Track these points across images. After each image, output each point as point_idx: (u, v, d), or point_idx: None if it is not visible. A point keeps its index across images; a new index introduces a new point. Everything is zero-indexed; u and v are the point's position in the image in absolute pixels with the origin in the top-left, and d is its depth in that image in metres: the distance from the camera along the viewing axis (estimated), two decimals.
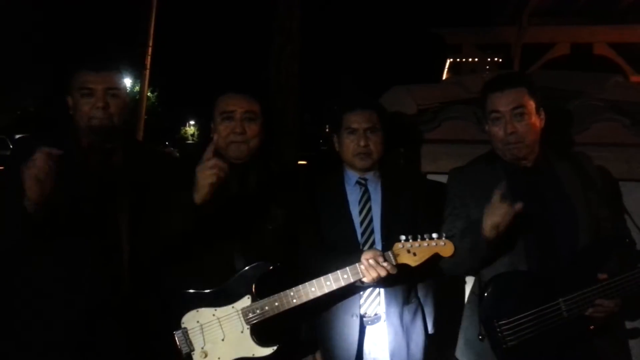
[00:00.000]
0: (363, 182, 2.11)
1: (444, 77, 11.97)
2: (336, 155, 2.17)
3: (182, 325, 1.88)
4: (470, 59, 11.33)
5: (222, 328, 1.88)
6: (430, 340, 2.13)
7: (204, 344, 1.88)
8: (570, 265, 1.84)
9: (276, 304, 1.86)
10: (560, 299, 1.80)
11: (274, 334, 1.88)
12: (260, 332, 1.88)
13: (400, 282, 1.92)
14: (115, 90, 2.00)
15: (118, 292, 1.93)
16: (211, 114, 2.02)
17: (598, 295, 1.78)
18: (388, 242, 1.94)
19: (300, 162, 7.04)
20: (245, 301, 1.88)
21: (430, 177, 2.55)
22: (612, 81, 2.46)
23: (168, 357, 1.85)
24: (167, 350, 1.85)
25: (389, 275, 1.84)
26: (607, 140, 2.38)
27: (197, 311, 1.89)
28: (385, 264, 1.83)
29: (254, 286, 1.87)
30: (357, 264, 1.85)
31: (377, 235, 2.04)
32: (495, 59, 11.48)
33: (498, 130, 1.91)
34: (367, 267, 1.83)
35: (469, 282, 2.22)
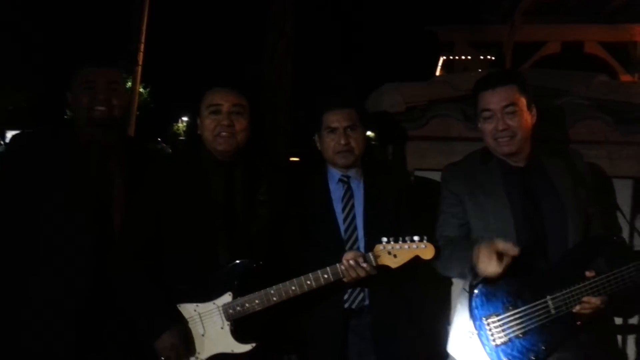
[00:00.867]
0: (346, 179, 2.13)
1: (437, 74, 12.02)
2: (318, 154, 2.18)
3: None
4: (462, 57, 11.37)
5: (202, 323, 1.89)
6: (416, 333, 2.14)
7: None
8: (559, 263, 1.87)
9: (257, 301, 1.87)
10: (548, 297, 1.82)
11: (254, 331, 1.89)
12: (240, 328, 1.89)
13: (384, 278, 1.93)
14: (117, 84, 2.08)
15: (108, 282, 1.95)
16: (198, 109, 2.01)
17: (585, 293, 1.80)
18: (370, 239, 1.96)
19: (292, 159, 7.05)
20: (227, 298, 1.88)
21: (418, 173, 2.58)
22: (597, 80, 2.49)
23: (149, 350, 1.86)
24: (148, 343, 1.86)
25: (368, 276, 1.87)
26: (591, 138, 2.41)
27: (180, 306, 1.90)
28: (365, 265, 1.85)
29: (235, 283, 1.88)
30: (337, 265, 1.86)
31: (360, 232, 2.05)
32: (488, 57, 11.53)
33: (490, 128, 1.93)
34: (347, 268, 1.85)
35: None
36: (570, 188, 1.93)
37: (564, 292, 1.82)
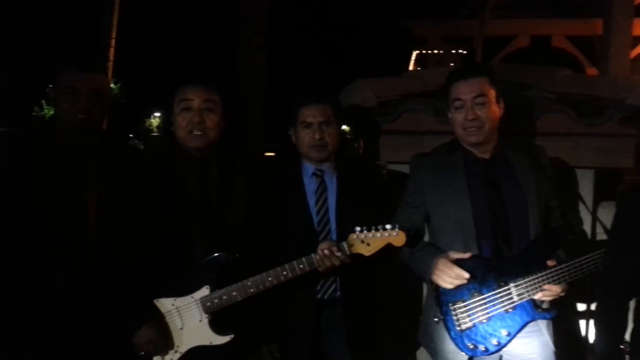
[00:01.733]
0: (319, 173, 2.16)
1: (411, 68, 12.13)
2: (294, 148, 2.21)
3: None
4: (435, 51, 11.50)
5: (181, 317, 1.91)
6: (389, 323, 2.20)
7: None
8: (522, 252, 1.94)
9: (234, 293, 1.90)
10: (512, 284, 1.90)
11: (232, 323, 1.92)
12: (218, 321, 1.91)
13: (358, 268, 1.99)
14: (100, 91, 2.05)
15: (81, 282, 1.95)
16: (170, 106, 2.02)
17: (546, 281, 1.89)
18: (343, 231, 2.00)
19: (268, 154, 7.05)
20: (204, 291, 1.91)
21: (391, 167, 2.64)
22: (560, 74, 2.58)
23: (127, 345, 1.87)
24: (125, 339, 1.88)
25: (343, 264, 1.91)
26: (556, 130, 2.49)
27: (157, 301, 1.92)
28: (339, 254, 1.90)
29: (212, 276, 1.90)
30: (312, 255, 1.90)
31: (333, 224, 2.09)
32: (460, 51, 11.69)
33: (459, 117, 2.00)
34: (322, 257, 1.90)
35: None
36: (532, 181, 2.00)
37: (527, 279, 1.90)
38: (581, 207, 2.53)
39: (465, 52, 11.38)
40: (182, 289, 1.92)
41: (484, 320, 1.91)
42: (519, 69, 2.77)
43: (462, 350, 1.91)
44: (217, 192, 2.00)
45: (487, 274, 1.92)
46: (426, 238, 2.16)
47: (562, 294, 1.91)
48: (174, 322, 1.92)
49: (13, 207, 1.98)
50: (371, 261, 1.94)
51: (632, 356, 1.78)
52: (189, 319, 1.91)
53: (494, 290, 1.91)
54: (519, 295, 1.90)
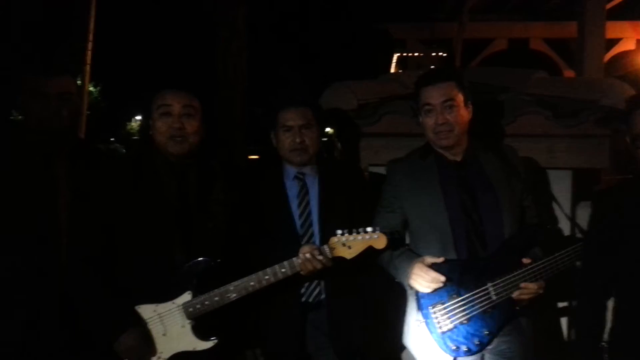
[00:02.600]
0: (301, 176, 2.17)
1: (392, 70, 12.19)
2: (275, 151, 2.21)
3: None
4: (415, 54, 11.57)
5: (163, 323, 1.90)
6: (374, 326, 2.21)
7: None
8: (497, 252, 1.97)
9: (216, 298, 1.89)
10: (489, 284, 1.92)
11: (215, 328, 1.91)
12: (201, 326, 1.90)
13: (341, 271, 1.99)
14: (68, 94, 2.02)
15: (56, 291, 1.92)
16: (149, 110, 2.00)
17: (523, 279, 1.91)
18: (325, 234, 2.01)
19: (251, 157, 7.01)
20: (186, 297, 1.90)
21: (372, 169, 2.66)
22: (535, 77, 2.63)
23: (110, 353, 1.85)
24: (110, 346, 1.85)
25: (324, 268, 1.92)
26: (531, 132, 2.54)
27: (139, 307, 1.90)
28: (320, 257, 1.90)
29: (194, 282, 1.89)
30: (294, 258, 1.90)
31: (315, 228, 2.10)
32: (440, 53, 11.78)
33: (430, 121, 2.03)
34: (304, 261, 1.90)
35: None
36: (504, 181, 2.04)
37: (504, 278, 1.92)
38: (559, 208, 2.57)
39: (445, 54, 11.48)
40: (164, 295, 1.90)
41: (465, 321, 1.93)
42: (496, 72, 2.83)
43: (445, 352, 1.93)
44: (195, 197, 1.98)
45: (464, 276, 1.95)
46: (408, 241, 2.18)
47: (540, 291, 1.93)
48: (156, 329, 1.90)
49: None
50: (355, 264, 1.94)
51: (611, 354, 1.81)
52: (171, 325, 1.90)
53: (472, 291, 1.94)
54: (497, 294, 1.93)
